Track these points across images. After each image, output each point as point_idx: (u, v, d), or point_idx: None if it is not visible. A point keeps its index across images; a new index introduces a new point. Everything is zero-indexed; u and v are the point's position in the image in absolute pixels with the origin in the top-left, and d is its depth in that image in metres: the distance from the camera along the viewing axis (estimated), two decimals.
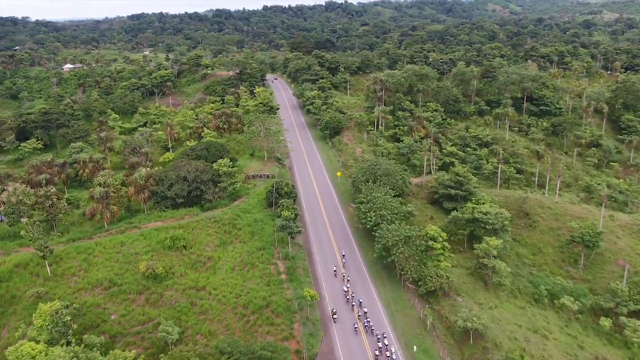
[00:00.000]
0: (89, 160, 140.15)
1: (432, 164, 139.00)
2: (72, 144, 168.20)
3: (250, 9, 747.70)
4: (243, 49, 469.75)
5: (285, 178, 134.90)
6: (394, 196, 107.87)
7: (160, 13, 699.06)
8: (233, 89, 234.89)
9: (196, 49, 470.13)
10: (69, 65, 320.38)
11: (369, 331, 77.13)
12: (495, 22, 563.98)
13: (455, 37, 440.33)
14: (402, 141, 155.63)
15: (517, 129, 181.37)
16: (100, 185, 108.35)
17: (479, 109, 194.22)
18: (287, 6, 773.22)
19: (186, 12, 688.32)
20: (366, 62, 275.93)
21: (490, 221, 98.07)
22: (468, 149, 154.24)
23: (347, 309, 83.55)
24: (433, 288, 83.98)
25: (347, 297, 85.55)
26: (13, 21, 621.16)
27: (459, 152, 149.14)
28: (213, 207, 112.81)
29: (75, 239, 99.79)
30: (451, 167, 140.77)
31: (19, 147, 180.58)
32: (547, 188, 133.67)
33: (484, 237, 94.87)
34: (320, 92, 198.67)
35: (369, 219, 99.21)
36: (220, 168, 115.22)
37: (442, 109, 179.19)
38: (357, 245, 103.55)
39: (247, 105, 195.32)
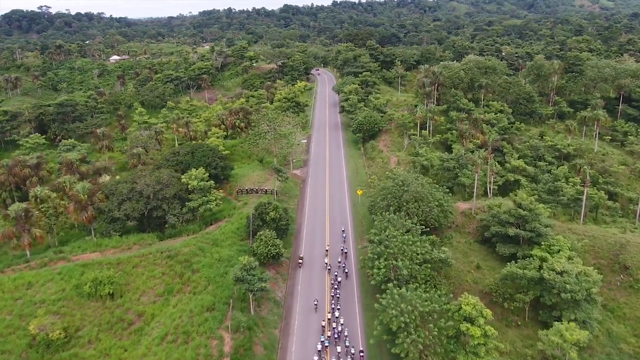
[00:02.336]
0: (70, 161, 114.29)
1: (490, 183, 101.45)
2: (63, 140, 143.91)
3: (319, 5, 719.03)
4: (306, 43, 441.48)
5: (291, 194, 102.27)
6: (424, 232, 72.60)
7: (229, 9, 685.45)
8: (269, 83, 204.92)
9: (257, 43, 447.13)
10: (115, 57, 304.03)
11: None
12: (583, 17, 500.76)
13: (536, 32, 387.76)
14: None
15: (609, 138, 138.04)
16: (35, 198, 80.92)
17: (559, 111, 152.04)
18: (356, 1, 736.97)
19: (254, 8, 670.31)
20: (426, 56, 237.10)
21: (568, 287, 60.79)
22: (541, 163, 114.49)
23: None
24: None
25: None
26: (89, 17, 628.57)
27: (527, 167, 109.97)
28: (177, 233, 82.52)
29: None
30: (515, 190, 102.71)
31: (20, 142, 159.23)
32: None
33: (558, 311, 57.93)
34: (361, 86, 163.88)
35: (376, 270, 64.80)
36: (190, 182, 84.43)
37: (510, 110, 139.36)
38: (361, 309, 69.00)
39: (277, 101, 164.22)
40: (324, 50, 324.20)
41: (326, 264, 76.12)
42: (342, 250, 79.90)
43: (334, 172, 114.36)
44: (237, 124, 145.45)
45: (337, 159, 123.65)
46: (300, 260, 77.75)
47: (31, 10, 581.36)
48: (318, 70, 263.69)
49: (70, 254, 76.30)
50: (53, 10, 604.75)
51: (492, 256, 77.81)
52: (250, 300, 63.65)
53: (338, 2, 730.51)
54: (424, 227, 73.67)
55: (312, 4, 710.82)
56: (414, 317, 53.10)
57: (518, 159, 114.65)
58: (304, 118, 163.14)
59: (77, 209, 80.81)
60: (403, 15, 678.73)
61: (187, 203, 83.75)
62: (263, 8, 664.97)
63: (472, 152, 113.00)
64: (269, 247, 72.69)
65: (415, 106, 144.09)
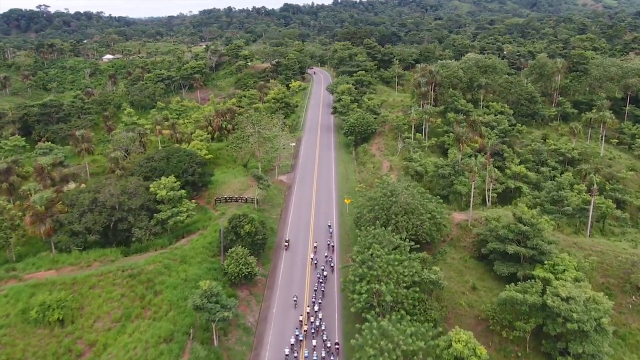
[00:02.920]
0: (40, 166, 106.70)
1: (488, 191, 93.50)
2: (39, 143, 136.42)
3: (319, 4, 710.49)
4: (305, 42, 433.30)
5: (274, 203, 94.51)
6: (414, 249, 64.68)
7: (229, 8, 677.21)
8: (262, 83, 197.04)
9: (256, 42, 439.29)
10: (108, 56, 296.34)
11: None
12: (586, 16, 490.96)
13: (538, 30, 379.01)
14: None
15: (616, 141, 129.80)
16: None
17: (563, 112, 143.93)
18: (357, 1, 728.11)
19: (254, 7, 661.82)
20: (425, 54, 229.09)
21: (574, 316, 52.90)
22: (544, 168, 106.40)
23: None
24: None
25: None
26: (88, 16, 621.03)
27: (529, 173, 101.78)
28: (144, 248, 74.64)
29: None
30: (516, 198, 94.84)
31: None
32: None
33: (563, 342, 50.09)
34: (356, 86, 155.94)
35: (357, 295, 56.98)
36: (158, 191, 76.69)
37: (511, 111, 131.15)
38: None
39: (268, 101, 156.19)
40: (322, 49, 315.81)
41: (312, 258, 74.24)
42: (328, 244, 78.00)
43: (322, 178, 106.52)
44: (224, 125, 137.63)
45: (326, 163, 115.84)
46: (287, 243, 78.80)
47: (30, 10, 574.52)
48: (314, 69, 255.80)
49: (23, 272, 68.59)
50: (52, 10, 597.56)
51: (490, 275, 69.85)
52: (214, 329, 55.88)
53: (339, 1, 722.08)
54: (413, 243, 65.72)
55: (313, 3, 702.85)
56: (395, 358, 45.29)
57: (519, 164, 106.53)
58: (295, 119, 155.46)
59: (34, 221, 73.19)
60: (404, 14, 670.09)
61: (155, 215, 75.94)
62: (263, 7, 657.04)
63: (470, 156, 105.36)
64: (241, 267, 64.92)
65: (411, 107, 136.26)
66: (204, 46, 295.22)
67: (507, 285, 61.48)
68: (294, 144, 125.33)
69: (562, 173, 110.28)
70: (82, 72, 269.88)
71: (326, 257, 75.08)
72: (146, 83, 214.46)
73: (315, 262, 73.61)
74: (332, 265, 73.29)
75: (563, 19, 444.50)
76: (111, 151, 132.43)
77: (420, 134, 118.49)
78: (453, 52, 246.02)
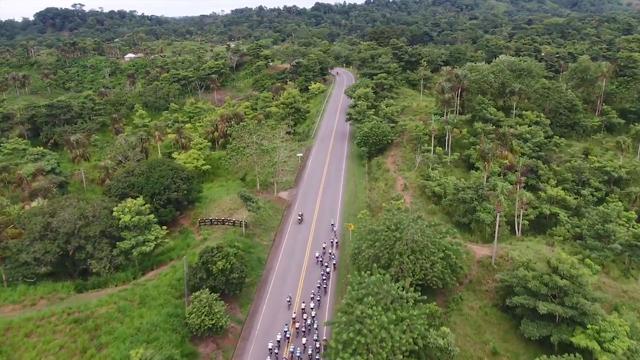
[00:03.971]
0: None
1: (518, 217, 78.71)
2: (30, 148, 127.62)
3: (351, 3, 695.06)
4: (334, 42, 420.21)
5: (267, 226, 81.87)
6: (419, 300, 51.13)
7: (260, 7, 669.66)
8: (279, 84, 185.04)
9: (284, 42, 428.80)
10: (130, 55, 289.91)
11: None
12: (631, 16, 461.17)
13: (580, 31, 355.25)
14: (477, 169, 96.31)
15: None
16: None
17: (608, 122, 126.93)
18: (390, 0, 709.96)
19: (285, 6, 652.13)
20: (456, 56, 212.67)
21: None
22: (585, 191, 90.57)
23: None
24: None
25: None
26: (121, 15, 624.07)
27: (568, 197, 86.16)
28: (103, 283, 63.23)
29: None
30: (550, 229, 79.85)
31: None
32: None
33: None
34: (376, 90, 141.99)
35: None
36: (122, 216, 65.02)
37: (548, 121, 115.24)
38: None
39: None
40: (348, 49, 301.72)
41: (317, 257, 70.73)
42: (332, 241, 75.12)
43: (327, 196, 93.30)
44: (229, 132, 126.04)
45: (335, 178, 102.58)
46: (300, 217, 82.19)
47: (65, 9, 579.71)
48: (336, 70, 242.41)
49: None
50: (87, 8, 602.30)
51: (516, 334, 55.43)
52: None
53: (371, 0, 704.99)
54: (419, 293, 52.10)
55: (345, 2, 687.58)
56: None
57: (556, 185, 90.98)
58: (309, 125, 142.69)
59: None
60: (438, 13, 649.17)
61: (118, 243, 64.35)
62: (294, 6, 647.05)
63: (499, 174, 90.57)
64: (203, 317, 52.52)
65: (437, 114, 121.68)
66: (227, 45, 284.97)
67: (537, 358, 47.28)
68: (301, 154, 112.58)
69: (606, 195, 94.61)
70: (103, 71, 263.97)
71: (330, 254, 72.07)
72: (161, 83, 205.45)
73: (320, 259, 70.25)
74: (334, 263, 70.12)
75: (606, 18, 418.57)
76: (109, 158, 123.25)
77: (441, 149, 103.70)
78: (486, 54, 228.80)
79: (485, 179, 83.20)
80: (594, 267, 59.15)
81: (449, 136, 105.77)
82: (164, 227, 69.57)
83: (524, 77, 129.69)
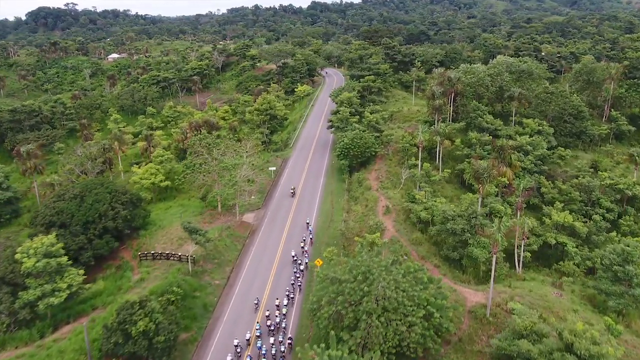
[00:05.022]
0: None
1: (519, 248, 65.67)
2: None
3: (348, 1, 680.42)
4: (329, 41, 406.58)
5: (222, 260, 68.74)
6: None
7: (255, 6, 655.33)
8: (261, 87, 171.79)
9: (278, 41, 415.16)
10: (114, 55, 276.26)
11: None
12: (632, 14, 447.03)
13: (580, 29, 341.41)
14: (475, 189, 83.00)
15: None
16: None
17: (617, 129, 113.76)
18: None
19: (280, 5, 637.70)
20: (452, 56, 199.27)
21: None
22: (597, 216, 77.32)
23: None
24: None
25: None
26: (115, 14, 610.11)
27: (576, 223, 72.85)
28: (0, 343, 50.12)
29: None
30: (558, 264, 67.14)
31: None
32: None
33: None
34: (362, 94, 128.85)
35: None
36: (25, 259, 51.86)
37: (551, 130, 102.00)
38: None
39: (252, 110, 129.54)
40: (340, 49, 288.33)
41: (293, 256, 66.75)
42: (304, 239, 71.90)
43: (300, 219, 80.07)
44: (217, 134, 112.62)
45: (311, 196, 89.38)
46: (292, 191, 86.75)
47: (57, 8, 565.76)
48: (327, 70, 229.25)
49: None
50: (80, 8, 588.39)
51: None
52: None
53: None
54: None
55: (342, 1, 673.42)
56: None
57: (563, 207, 77.61)
58: (290, 132, 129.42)
59: None
60: (436, 12, 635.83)
61: (21, 293, 51.27)
62: (290, 5, 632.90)
63: (497, 195, 77.54)
64: None
65: (425, 122, 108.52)
66: (213, 45, 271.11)
67: None
68: (274, 168, 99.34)
69: (619, 216, 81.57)
70: (84, 72, 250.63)
71: (304, 249, 69.12)
72: (140, 85, 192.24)
73: (295, 258, 66.61)
74: (307, 262, 66.39)
75: (607, 17, 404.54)
76: (67, 170, 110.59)
77: (428, 164, 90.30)
78: (484, 54, 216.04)
79: (480, 202, 70.01)
80: (617, 329, 46.01)
81: (439, 149, 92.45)
82: (81, 272, 55.99)
83: (524, 79, 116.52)
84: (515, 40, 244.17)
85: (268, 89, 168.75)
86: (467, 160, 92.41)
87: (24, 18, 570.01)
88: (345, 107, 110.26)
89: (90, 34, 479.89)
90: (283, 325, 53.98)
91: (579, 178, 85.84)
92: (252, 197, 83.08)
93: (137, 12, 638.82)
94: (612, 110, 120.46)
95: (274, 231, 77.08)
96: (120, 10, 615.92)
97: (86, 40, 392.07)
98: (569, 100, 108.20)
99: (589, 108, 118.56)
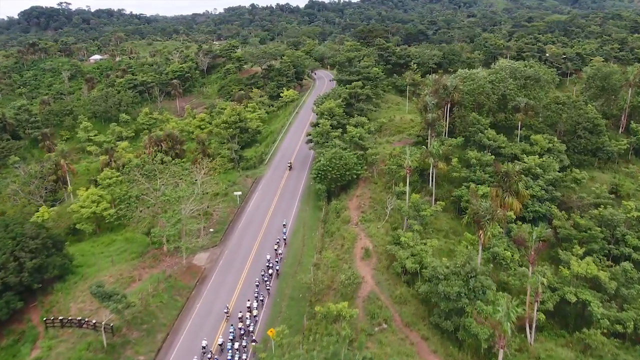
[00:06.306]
0: None
1: (533, 311, 50.66)
2: None
3: (346, 0, 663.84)
4: (325, 41, 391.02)
5: (153, 325, 53.57)
6: None
7: (252, 5, 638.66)
8: (242, 92, 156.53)
9: (273, 41, 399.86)
10: (96, 57, 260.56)
11: None
12: (637, 12, 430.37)
13: (583, 28, 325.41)
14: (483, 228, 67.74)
15: None
16: None
17: (636, 144, 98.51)
18: None
19: (277, 4, 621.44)
20: (450, 57, 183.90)
21: None
22: (622, 254, 62.12)
23: None
24: None
25: None
26: (109, 13, 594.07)
27: (601, 274, 57.53)
28: None
29: None
30: (580, 332, 51.76)
31: None
32: None
33: None
34: (349, 102, 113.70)
35: None
36: None
37: (563, 146, 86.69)
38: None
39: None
40: (334, 50, 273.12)
41: (268, 259, 62.45)
42: (277, 241, 67.45)
43: (260, 263, 65.03)
44: (161, 158, 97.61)
45: (279, 230, 74.15)
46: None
47: (50, 7, 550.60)
48: (317, 72, 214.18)
49: None
50: (73, 7, 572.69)
51: None
52: None
53: None
54: None
55: (340, 0, 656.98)
56: None
57: (581, 248, 62.37)
58: (268, 145, 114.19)
59: None
60: (435, 11, 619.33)
61: None
62: (287, 4, 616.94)
63: (498, 239, 62.37)
64: None
65: (418, 140, 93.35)
66: (199, 46, 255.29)
67: None
68: (240, 193, 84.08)
69: None
70: (62, 74, 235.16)
71: (277, 251, 65.72)
72: (115, 89, 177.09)
73: (269, 261, 62.55)
74: (277, 268, 62.48)
75: (611, 15, 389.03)
76: (10, 193, 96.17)
77: (426, 183, 75.25)
78: (484, 55, 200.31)
79: (480, 252, 54.87)
80: None
81: (433, 172, 77.15)
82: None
83: (530, 87, 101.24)
84: (517, 40, 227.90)
85: (250, 94, 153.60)
86: (465, 185, 77.46)
87: (16, 17, 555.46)
88: (326, 118, 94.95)
89: (83, 34, 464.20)
90: (251, 328, 50.94)
91: (600, 209, 70.53)
92: (207, 234, 67.98)
93: (131, 12, 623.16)
94: (630, 121, 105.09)
95: (230, 273, 62.18)
96: (115, 10, 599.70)
97: (78, 40, 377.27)
98: (584, 112, 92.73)
99: (604, 118, 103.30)
